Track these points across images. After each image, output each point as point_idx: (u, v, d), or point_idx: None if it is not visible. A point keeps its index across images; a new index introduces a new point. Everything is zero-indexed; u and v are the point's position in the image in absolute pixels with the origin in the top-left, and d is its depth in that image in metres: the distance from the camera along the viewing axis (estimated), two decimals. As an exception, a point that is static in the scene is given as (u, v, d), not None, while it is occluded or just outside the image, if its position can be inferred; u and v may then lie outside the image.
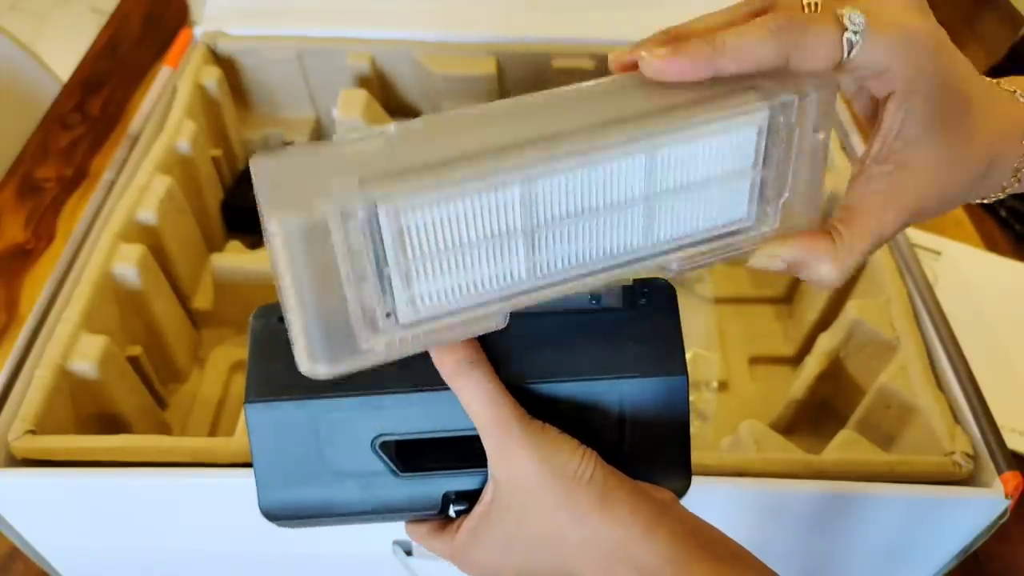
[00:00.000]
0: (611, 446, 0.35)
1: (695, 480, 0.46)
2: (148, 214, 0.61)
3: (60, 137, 0.89)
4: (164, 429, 0.62)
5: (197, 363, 0.68)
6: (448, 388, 0.34)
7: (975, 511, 0.47)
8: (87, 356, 0.52)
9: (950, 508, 0.47)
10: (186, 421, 0.64)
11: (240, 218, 0.77)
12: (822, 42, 0.29)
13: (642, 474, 0.36)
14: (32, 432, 0.48)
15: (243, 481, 0.47)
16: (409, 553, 0.51)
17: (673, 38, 0.30)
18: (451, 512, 0.37)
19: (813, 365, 0.61)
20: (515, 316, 0.34)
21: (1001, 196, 0.36)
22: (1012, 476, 0.47)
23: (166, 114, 0.70)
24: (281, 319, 0.33)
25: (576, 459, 0.34)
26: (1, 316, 0.73)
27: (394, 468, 0.37)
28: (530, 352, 0.35)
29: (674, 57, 0.28)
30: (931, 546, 0.51)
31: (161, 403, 0.63)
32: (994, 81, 0.36)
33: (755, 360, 0.70)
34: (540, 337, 0.36)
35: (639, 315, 0.36)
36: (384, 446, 0.36)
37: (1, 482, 0.46)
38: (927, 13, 0.31)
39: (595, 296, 0.36)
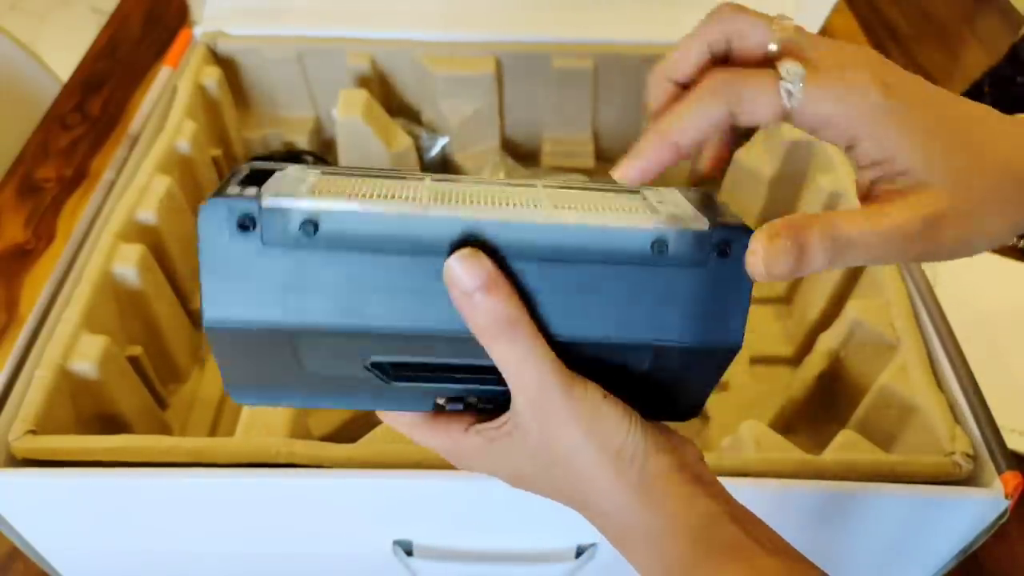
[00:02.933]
0: (630, 384, 0.33)
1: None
2: (148, 214, 0.61)
3: (60, 137, 0.89)
4: (164, 429, 0.62)
5: (197, 363, 0.68)
6: (462, 331, 0.31)
7: (975, 511, 0.47)
8: (87, 356, 0.52)
9: (950, 508, 0.47)
10: (186, 421, 0.64)
11: (240, 218, 0.77)
12: (760, 93, 0.30)
13: (652, 409, 0.34)
14: (32, 432, 0.48)
15: (243, 481, 0.47)
16: (409, 553, 0.51)
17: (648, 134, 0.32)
18: (441, 403, 0.34)
19: (813, 365, 0.61)
20: (562, 262, 0.30)
21: None
22: (1012, 476, 0.47)
23: (166, 114, 0.70)
24: (242, 225, 0.29)
25: (622, 434, 0.32)
26: (1, 316, 0.73)
27: (384, 379, 0.33)
28: (572, 303, 0.31)
29: (634, 162, 0.31)
30: (931, 546, 0.51)
31: (161, 403, 0.63)
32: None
33: (755, 360, 0.70)
34: (583, 287, 0.31)
35: (708, 273, 0.31)
36: (375, 363, 0.32)
37: (1, 482, 0.46)
38: (873, 61, 0.31)
39: (660, 244, 0.30)
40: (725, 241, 0.31)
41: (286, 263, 0.29)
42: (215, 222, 0.29)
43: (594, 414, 0.32)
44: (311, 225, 0.29)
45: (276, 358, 0.31)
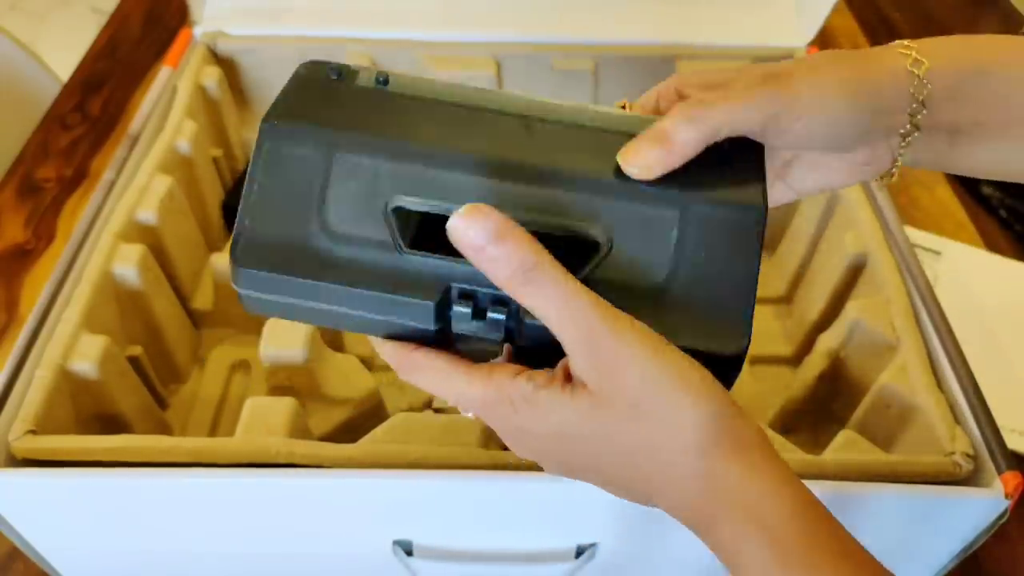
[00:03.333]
0: (653, 289, 0.31)
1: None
2: (148, 214, 0.61)
3: (60, 137, 0.89)
4: (164, 429, 0.62)
5: (197, 363, 0.68)
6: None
7: (975, 511, 0.47)
8: (87, 356, 0.52)
9: (950, 508, 0.47)
10: (186, 421, 0.64)
11: (240, 218, 0.77)
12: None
13: (687, 332, 0.31)
14: (32, 432, 0.48)
15: (243, 481, 0.47)
16: (409, 553, 0.51)
17: None
18: (457, 325, 0.32)
19: (813, 365, 0.61)
20: (548, 124, 0.34)
21: (894, 166, 0.37)
22: (1012, 476, 0.47)
23: (166, 114, 0.70)
24: (338, 72, 0.36)
25: (695, 373, 0.29)
26: (1, 316, 0.73)
27: (399, 242, 0.32)
28: (569, 152, 0.33)
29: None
30: (931, 546, 0.51)
31: (161, 403, 0.63)
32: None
33: (755, 360, 0.70)
34: (584, 144, 0.33)
35: (714, 148, 0.33)
36: (398, 215, 0.32)
37: (1, 482, 0.46)
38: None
39: None
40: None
41: (356, 100, 0.35)
42: (312, 70, 0.36)
43: (657, 350, 0.29)
44: (383, 78, 0.35)
45: (304, 190, 0.33)
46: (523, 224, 0.31)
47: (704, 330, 0.31)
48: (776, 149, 0.37)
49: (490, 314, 0.32)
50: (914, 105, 0.35)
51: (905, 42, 0.36)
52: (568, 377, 0.31)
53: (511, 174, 0.32)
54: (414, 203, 0.32)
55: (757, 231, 0.32)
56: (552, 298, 0.29)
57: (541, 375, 0.31)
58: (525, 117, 0.34)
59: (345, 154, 0.32)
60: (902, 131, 0.36)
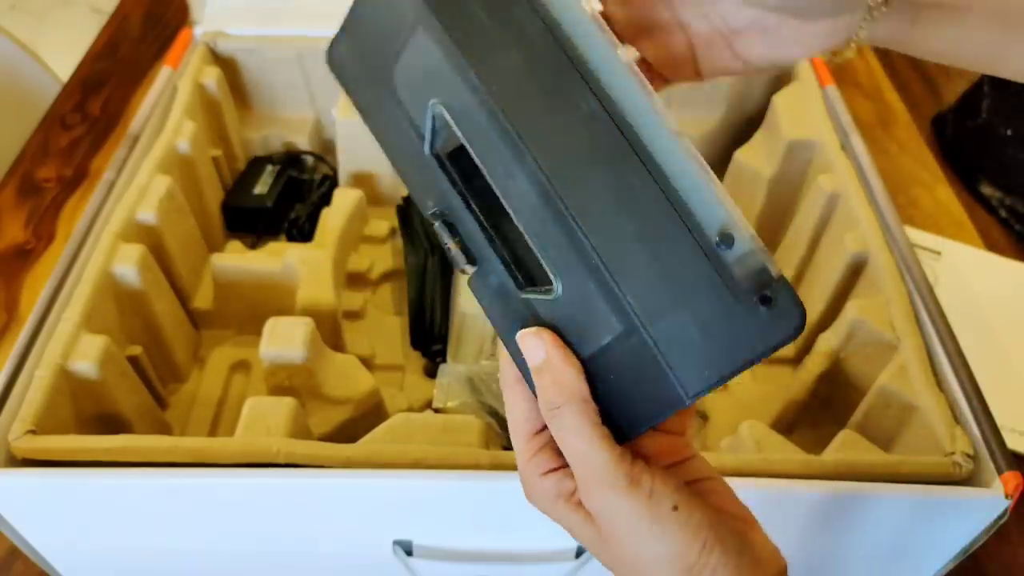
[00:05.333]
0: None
1: (695, 480, 0.45)
2: (148, 214, 0.62)
3: (60, 137, 0.89)
4: (164, 429, 0.62)
5: (197, 363, 0.68)
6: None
7: (975, 511, 0.47)
8: (87, 356, 0.52)
9: (950, 508, 0.47)
10: (186, 421, 0.64)
11: (240, 218, 0.77)
12: None
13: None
14: (32, 432, 0.48)
15: (243, 481, 0.47)
16: (409, 553, 0.51)
17: None
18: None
19: (813, 365, 0.61)
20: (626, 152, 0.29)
21: (853, 43, 0.36)
22: (1012, 476, 0.47)
23: (166, 114, 0.70)
24: None
25: (696, 548, 0.30)
26: (1, 316, 0.73)
27: (431, 141, 0.34)
28: (603, 196, 0.30)
29: None
30: (931, 546, 0.51)
31: (161, 403, 0.63)
32: None
33: (755, 360, 0.70)
34: (636, 202, 0.29)
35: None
36: (437, 120, 0.34)
37: (1, 482, 0.46)
38: None
39: (725, 239, 0.29)
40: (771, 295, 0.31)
41: None
42: None
43: (662, 520, 0.30)
44: None
45: (389, 39, 0.36)
46: (494, 229, 0.34)
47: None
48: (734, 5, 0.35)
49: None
50: None
51: None
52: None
53: (524, 169, 0.31)
54: (445, 117, 0.33)
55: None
56: (568, 443, 0.31)
57: (569, 483, 0.33)
58: (609, 121, 0.30)
59: (423, 33, 0.33)
60: (871, 2, 0.34)
